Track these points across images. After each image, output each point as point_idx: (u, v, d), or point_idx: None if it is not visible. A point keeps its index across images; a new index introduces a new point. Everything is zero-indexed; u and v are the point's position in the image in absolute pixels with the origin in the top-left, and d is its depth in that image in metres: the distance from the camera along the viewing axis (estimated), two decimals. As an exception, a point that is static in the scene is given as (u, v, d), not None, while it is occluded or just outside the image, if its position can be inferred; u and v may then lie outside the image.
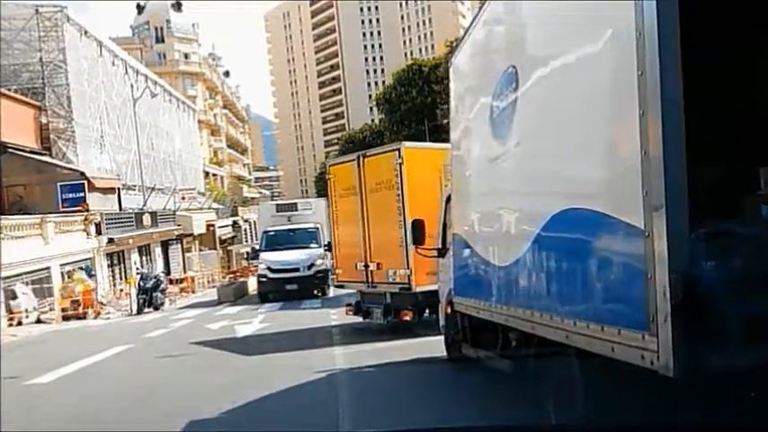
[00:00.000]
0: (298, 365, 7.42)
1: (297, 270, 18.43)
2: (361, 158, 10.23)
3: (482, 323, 5.38)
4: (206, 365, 7.80)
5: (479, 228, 5.32)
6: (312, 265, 18.51)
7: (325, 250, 17.18)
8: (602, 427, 3.02)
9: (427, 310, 9.32)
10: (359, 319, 10.52)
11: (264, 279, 18.80)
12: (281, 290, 18.22)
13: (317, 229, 19.06)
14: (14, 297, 16.73)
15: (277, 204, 22.06)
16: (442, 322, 7.62)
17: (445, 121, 23.59)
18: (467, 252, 5.67)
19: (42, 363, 8.64)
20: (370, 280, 10.01)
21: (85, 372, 7.94)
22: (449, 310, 6.84)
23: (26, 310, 16.71)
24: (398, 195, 9.38)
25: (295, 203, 21.40)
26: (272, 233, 19.90)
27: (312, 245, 18.87)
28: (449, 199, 7.53)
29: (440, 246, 7.62)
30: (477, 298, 5.37)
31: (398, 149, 9.64)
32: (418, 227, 7.59)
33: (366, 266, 10.03)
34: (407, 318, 9.51)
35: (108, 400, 6.27)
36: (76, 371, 7.92)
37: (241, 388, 6.28)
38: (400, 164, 9.39)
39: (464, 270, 5.92)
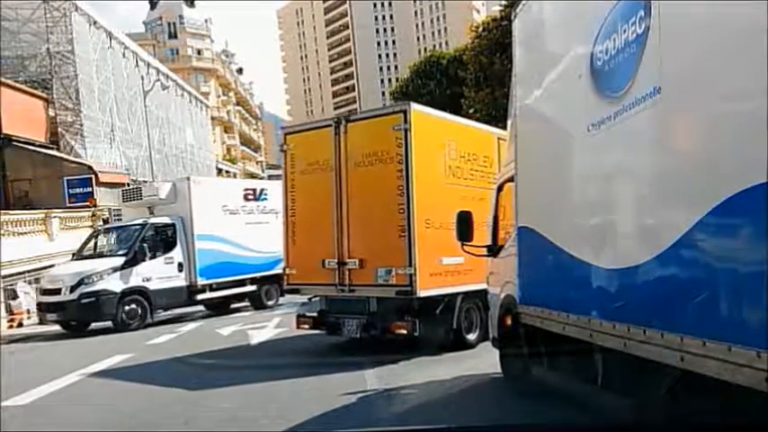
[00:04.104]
0: (324, 390, 6.20)
1: (57, 292, 12.01)
2: (343, 123, 7.79)
3: (565, 341, 4.15)
4: (211, 394, 6.45)
5: (569, 218, 4.06)
6: (80, 283, 11.77)
7: (128, 261, 12.09)
8: (603, 426, 2.94)
9: (419, 322, 7.38)
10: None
11: (38, 303, 13.20)
12: (47, 321, 12.56)
13: (145, 227, 12.65)
14: (15, 297, 15.80)
15: (123, 191, 15.03)
16: (493, 334, 6.40)
17: (471, 110, 22.32)
18: (544, 250, 4.41)
19: (23, 378, 7.50)
20: (345, 282, 7.69)
21: (65, 393, 6.72)
22: (509, 322, 5.60)
23: (28, 311, 15.75)
24: (401, 171, 7.21)
25: (139, 188, 14.45)
26: (99, 232, 14.24)
27: (120, 251, 12.42)
28: (501, 187, 6.35)
29: (490, 243, 6.42)
30: (561, 310, 4.12)
31: (404, 111, 7.31)
32: (466, 220, 6.33)
33: (341, 264, 7.69)
34: (402, 331, 7.39)
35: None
36: (57, 391, 6.75)
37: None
38: (406, 130, 7.19)
39: (538, 273, 4.68)
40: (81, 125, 26.60)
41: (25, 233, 18.14)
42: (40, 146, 24.72)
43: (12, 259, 15.79)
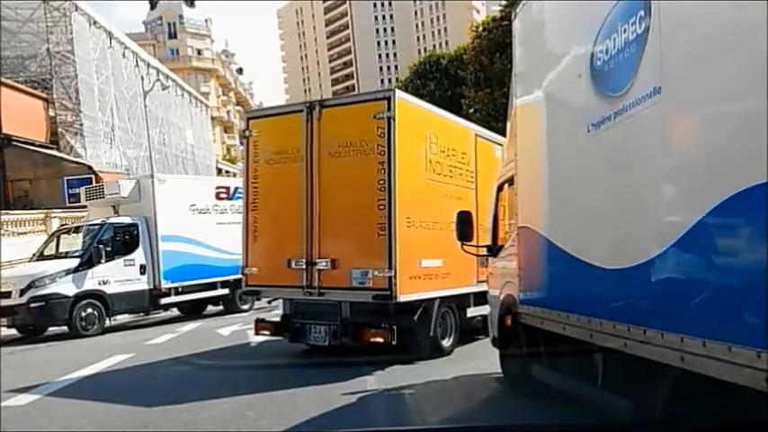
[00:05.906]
0: (324, 390, 6.18)
1: (7, 296, 11.17)
2: (317, 108, 7.11)
3: (565, 341, 4.15)
4: (211, 394, 6.34)
5: (569, 218, 4.06)
6: (30, 286, 11.06)
7: (83, 263, 11.43)
8: (603, 426, 2.95)
9: (397, 329, 6.91)
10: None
11: None
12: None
13: (103, 227, 11.97)
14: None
15: (86, 189, 14.18)
16: (493, 334, 6.40)
17: (471, 110, 22.34)
18: (544, 250, 4.42)
19: (23, 378, 7.47)
20: (314, 284, 7.07)
21: (65, 393, 6.61)
22: (509, 322, 5.59)
23: (27, 311, 15.72)
24: (382, 164, 6.63)
25: (101, 187, 13.46)
26: (60, 232, 13.38)
27: (76, 253, 11.73)
28: (501, 187, 6.36)
29: (490, 243, 6.43)
30: (561, 310, 4.12)
31: (388, 98, 6.68)
32: (466, 220, 6.33)
33: (310, 264, 7.06)
34: (378, 339, 6.90)
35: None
36: (57, 391, 6.67)
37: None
38: (390, 119, 6.60)
39: (538, 273, 4.68)
40: (81, 125, 26.61)
41: (25, 233, 18.15)
42: (40, 146, 24.74)
43: (12, 259, 15.77)
